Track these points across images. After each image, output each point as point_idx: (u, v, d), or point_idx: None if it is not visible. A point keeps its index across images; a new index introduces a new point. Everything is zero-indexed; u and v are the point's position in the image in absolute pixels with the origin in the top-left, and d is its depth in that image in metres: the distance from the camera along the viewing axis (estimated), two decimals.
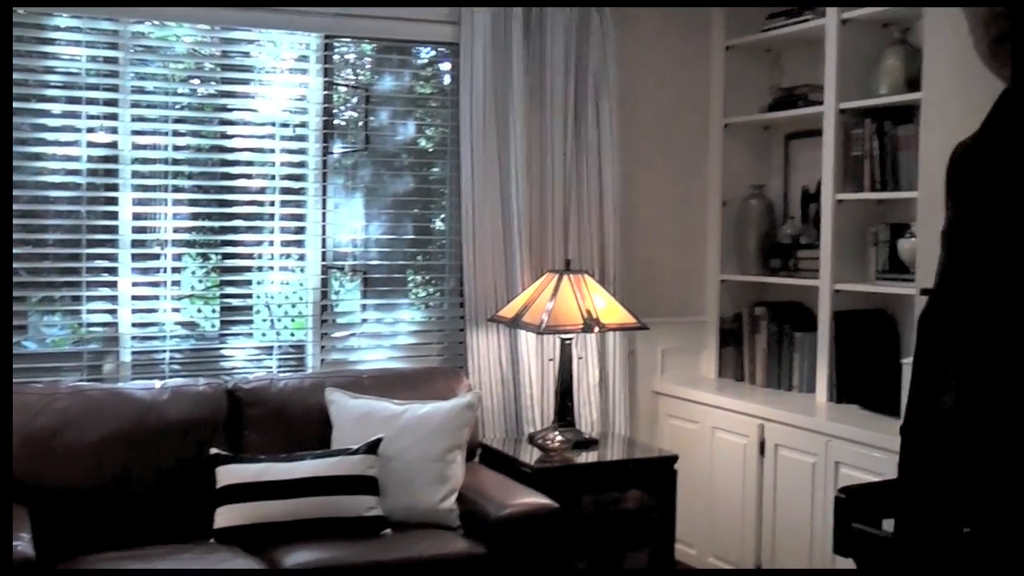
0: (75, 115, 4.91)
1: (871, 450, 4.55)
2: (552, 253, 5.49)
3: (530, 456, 4.99)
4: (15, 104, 4.75)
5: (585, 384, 5.53)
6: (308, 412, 4.79)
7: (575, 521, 4.78)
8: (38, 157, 4.88)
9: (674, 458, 5.09)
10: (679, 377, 5.92)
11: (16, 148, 4.76)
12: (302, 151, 5.31)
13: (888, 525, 3.81)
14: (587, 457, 5.07)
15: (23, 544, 3.80)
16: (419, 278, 5.73)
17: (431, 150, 5.69)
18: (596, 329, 5.02)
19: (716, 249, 6.00)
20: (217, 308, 5.38)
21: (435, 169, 5.65)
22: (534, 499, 4.49)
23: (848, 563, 3.88)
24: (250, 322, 5.42)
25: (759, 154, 6.01)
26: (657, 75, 5.89)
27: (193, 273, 5.33)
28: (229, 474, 4.42)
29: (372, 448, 4.52)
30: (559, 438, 4.99)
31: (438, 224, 5.69)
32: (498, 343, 5.43)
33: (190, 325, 5.31)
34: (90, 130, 4.94)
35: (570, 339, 5.19)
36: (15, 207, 4.77)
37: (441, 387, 5.04)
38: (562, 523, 4.49)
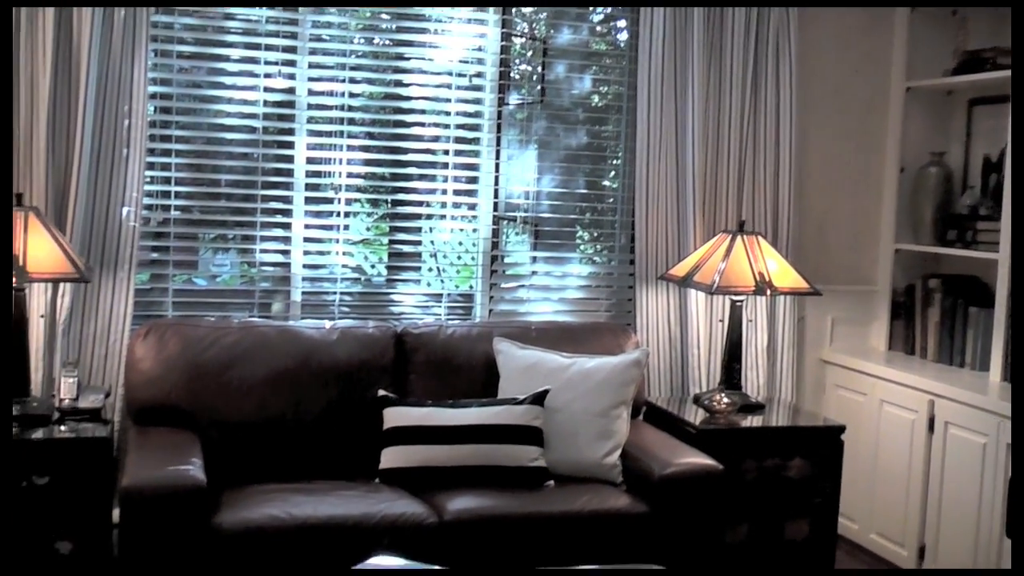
0: (254, 61, 4.98)
1: None
2: (725, 214, 5.41)
3: (695, 416, 4.92)
4: (192, 49, 4.91)
5: (753, 348, 5.44)
6: (474, 360, 4.80)
7: (737, 485, 4.70)
8: (214, 100, 4.99)
9: (841, 428, 4.96)
10: (848, 347, 5.78)
11: (191, 91, 4.92)
12: (477, 101, 5.31)
13: None
14: (752, 421, 4.98)
15: (194, 469, 3.89)
16: (587, 234, 5.69)
17: (604, 106, 5.64)
18: (768, 292, 4.93)
19: (891, 217, 5.81)
20: (385, 255, 5.41)
21: (608, 126, 5.61)
22: (699, 459, 4.43)
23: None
24: (417, 269, 5.45)
25: (940, 120, 5.79)
26: (838, 36, 5.74)
27: (362, 220, 5.37)
28: (396, 416, 4.45)
29: (539, 399, 4.50)
30: (725, 400, 4.90)
31: (608, 181, 5.63)
32: (667, 301, 5.38)
33: (359, 270, 5.35)
34: (267, 75, 5.01)
35: (741, 301, 5.10)
36: (188, 147, 4.93)
37: (608, 343, 5.00)
38: (725, 486, 4.42)
